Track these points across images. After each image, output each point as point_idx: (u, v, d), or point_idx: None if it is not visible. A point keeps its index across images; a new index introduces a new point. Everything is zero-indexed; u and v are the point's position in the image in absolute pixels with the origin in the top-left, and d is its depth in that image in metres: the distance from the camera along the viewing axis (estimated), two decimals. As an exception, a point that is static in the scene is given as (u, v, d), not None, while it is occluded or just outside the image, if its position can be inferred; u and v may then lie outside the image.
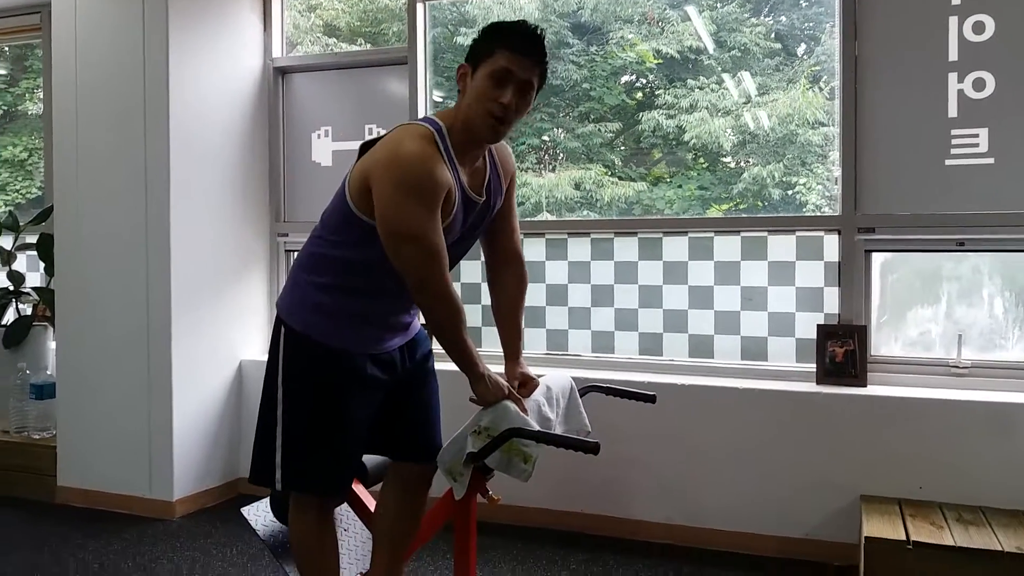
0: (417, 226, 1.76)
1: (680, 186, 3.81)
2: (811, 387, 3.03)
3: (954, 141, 2.97)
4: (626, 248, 3.42)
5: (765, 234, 3.24)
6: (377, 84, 3.79)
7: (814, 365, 3.09)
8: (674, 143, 3.72)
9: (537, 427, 1.95)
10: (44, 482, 3.54)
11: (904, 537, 2.45)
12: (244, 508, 2.32)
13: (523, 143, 4.51)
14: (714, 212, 3.59)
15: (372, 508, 2.20)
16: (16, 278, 3.89)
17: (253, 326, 3.80)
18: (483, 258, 2.17)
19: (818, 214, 3.30)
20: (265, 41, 3.88)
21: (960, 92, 2.95)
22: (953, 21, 2.96)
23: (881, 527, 2.55)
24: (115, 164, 3.44)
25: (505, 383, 1.96)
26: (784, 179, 3.49)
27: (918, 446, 2.83)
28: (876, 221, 3.05)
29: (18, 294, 3.85)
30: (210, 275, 3.57)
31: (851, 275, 3.07)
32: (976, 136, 2.95)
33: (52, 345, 3.80)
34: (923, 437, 2.82)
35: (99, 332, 3.47)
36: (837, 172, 3.13)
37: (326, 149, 3.87)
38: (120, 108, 3.43)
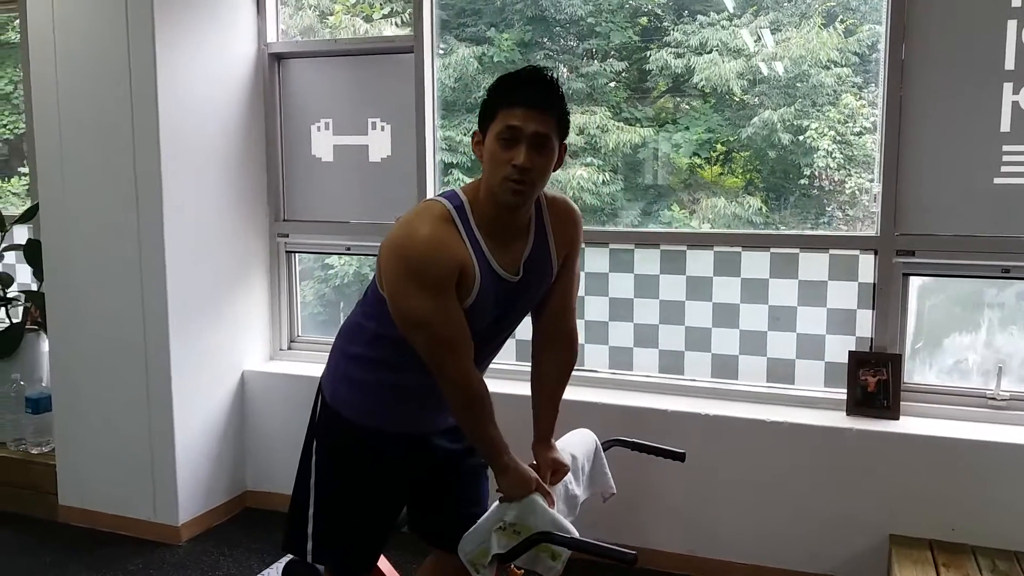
0: (424, 314, 1.67)
1: (687, 128, 3.63)
2: (840, 419, 2.89)
3: (1005, 158, 2.75)
4: (647, 261, 3.24)
5: (796, 251, 3.05)
6: (381, 74, 3.52)
7: (844, 391, 2.95)
8: (683, 83, 3.53)
9: (567, 523, 1.83)
10: (45, 500, 3.45)
11: (939, 597, 2.37)
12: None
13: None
14: (721, 149, 3.42)
15: None
16: (5, 280, 3.71)
17: (255, 334, 3.65)
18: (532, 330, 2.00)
19: (854, 233, 3.09)
20: (259, 25, 3.59)
21: (1015, 104, 2.72)
22: (1012, 25, 2.70)
23: (914, 582, 2.45)
24: (102, 166, 3.21)
25: (533, 475, 1.83)
26: (795, 122, 3.30)
27: (952, 485, 2.71)
28: (916, 243, 2.85)
29: (7, 300, 3.68)
30: (208, 281, 3.39)
31: (887, 299, 2.90)
32: (1030, 153, 2.73)
33: (46, 349, 3.65)
34: (957, 476, 2.70)
35: (94, 344, 3.31)
36: (875, 178, 2.92)
37: (327, 143, 3.63)
38: (105, 105, 3.18)
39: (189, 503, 3.31)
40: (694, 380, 3.19)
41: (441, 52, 3.58)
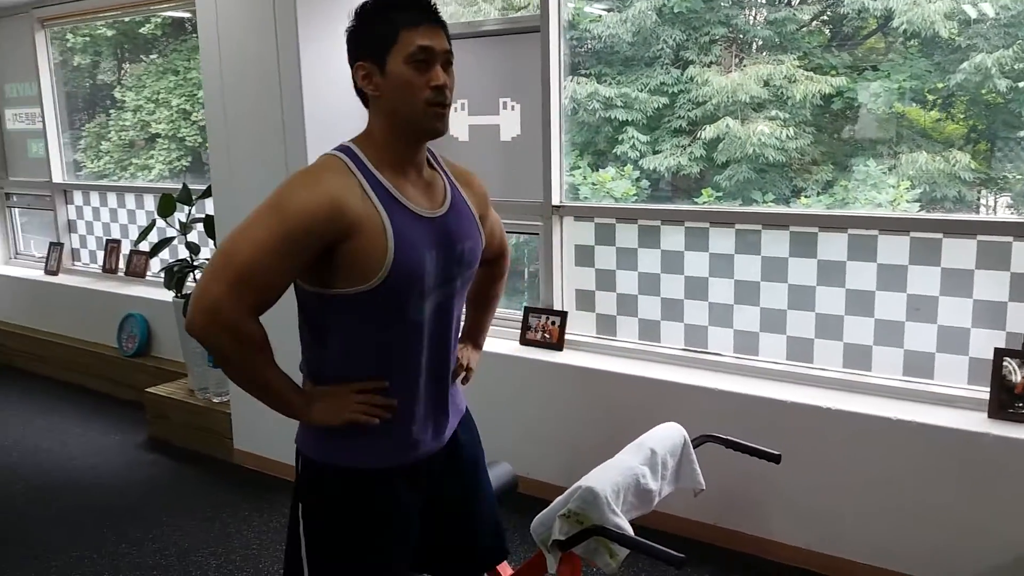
0: (252, 243, 1.43)
1: (888, 75, 3.29)
2: (980, 421, 2.66)
3: None
4: (775, 243, 3.09)
5: (939, 236, 2.80)
6: (510, 54, 3.57)
7: (987, 390, 2.70)
8: (883, 27, 3.21)
9: (624, 521, 1.88)
10: (223, 443, 3.96)
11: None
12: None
13: (707, 32, 3.96)
14: (931, 98, 3.15)
15: None
16: (193, 249, 4.22)
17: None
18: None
19: (1005, 219, 2.77)
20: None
21: None
22: None
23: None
24: (259, 153, 3.53)
25: (349, 397, 1.61)
26: (1015, 67, 2.95)
27: (1108, 504, 2.43)
28: (1083, 232, 2.52)
29: (195, 267, 4.19)
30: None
31: (1044, 293, 2.60)
32: None
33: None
34: (1116, 495, 2.42)
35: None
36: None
37: (462, 123, 3.75)
38: (259, 99, 3.48)
39: (337, 457, 3.66)
40: (824, 370, 3.04)
41: (615, 9, 3.48)
